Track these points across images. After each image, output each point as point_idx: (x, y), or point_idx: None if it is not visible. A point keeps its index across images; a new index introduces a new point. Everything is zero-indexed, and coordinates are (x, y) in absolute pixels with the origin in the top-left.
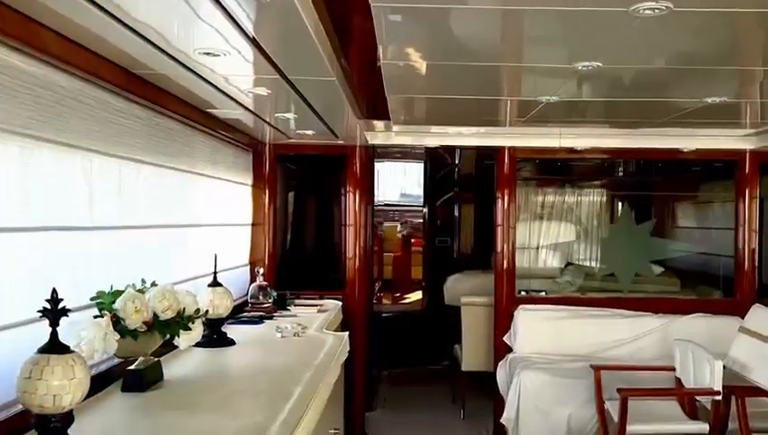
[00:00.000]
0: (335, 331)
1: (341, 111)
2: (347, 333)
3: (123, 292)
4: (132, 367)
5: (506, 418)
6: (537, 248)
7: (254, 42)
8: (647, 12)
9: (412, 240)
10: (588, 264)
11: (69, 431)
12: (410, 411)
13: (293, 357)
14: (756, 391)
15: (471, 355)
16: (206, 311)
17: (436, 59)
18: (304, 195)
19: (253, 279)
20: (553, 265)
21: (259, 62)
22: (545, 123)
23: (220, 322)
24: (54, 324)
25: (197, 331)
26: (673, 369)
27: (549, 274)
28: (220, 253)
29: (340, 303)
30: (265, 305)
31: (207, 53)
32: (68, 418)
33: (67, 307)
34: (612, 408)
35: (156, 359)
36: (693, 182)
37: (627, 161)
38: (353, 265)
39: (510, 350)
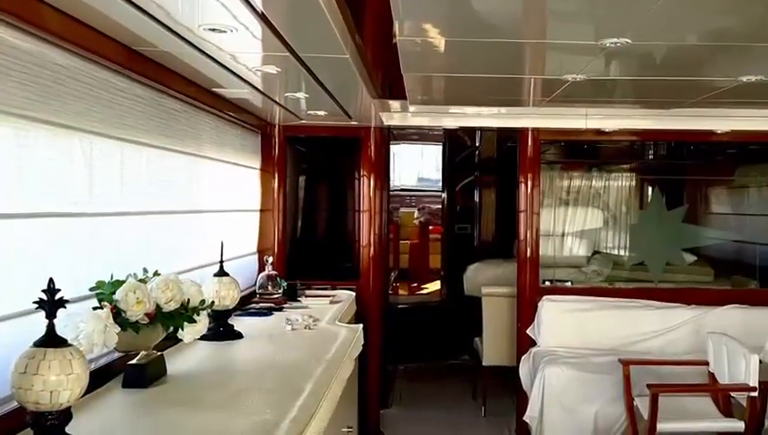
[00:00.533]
0: (348, 323)
1: (355, 90)
2: (361, 325)
3: (124, 282)
4: (134, 362)
5: (530, 416)
6: (562, 236)
7: (262, 17)
8: None
9: (430, 227)
10: (616, 252)
11: (66, 430)
12: (428, 409)
13: (304, 351)
14: None
15: (492, 349)
16: (212, 302)
17: (456, 35)
18: (316, 179)
19: (261, 268)
20: (579, 254)
21: (268, 38)
22: (571, 103)
23: (227, 313)
24: (51, 316)
25: (203, 323)
26: (706, 363)
27: (575, 263)
28: (227, 240)
29: (354, 293)
30: (275, 296)
31: (213, 30)
32: (65, 415)
33: (65, 298)
34: (642, 405)
35: (158, 353)
36: (727, 166)
37: (657, 144)
38: (368, 253)
39: (534, 343)
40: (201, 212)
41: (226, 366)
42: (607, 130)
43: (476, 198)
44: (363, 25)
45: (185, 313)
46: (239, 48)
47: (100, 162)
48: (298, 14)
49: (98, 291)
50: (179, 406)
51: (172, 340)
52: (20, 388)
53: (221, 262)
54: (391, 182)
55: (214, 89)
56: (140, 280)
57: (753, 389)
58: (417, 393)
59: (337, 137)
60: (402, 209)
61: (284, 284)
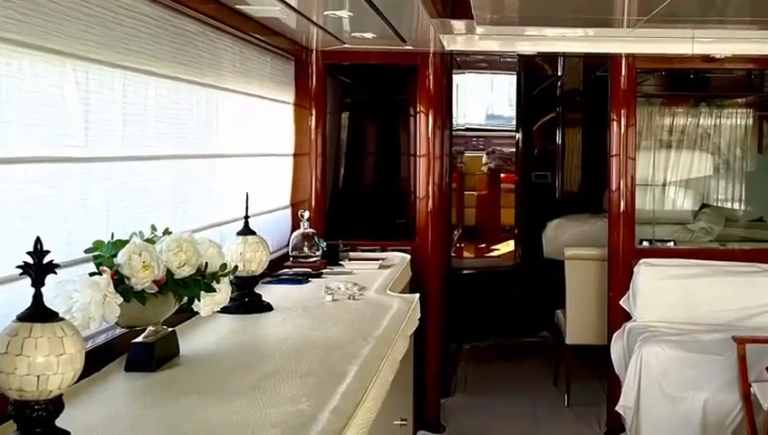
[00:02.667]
0: (402, 292)
1: (410, 6)
2: (417, 295)
3: (127, 242)
4: (139, 339)
5: (623, 405)
6: (663, 185)
7: None
8: None
9: (502, 175)
10: (729, 205)
11: (57, 423)
12: (499, 397)
13: (347, 327)
14: None
15: (578, 324)
16: (235, 267)
17: None
18: (362, 117)
19: (295, 226)
20: (684, 208)
21: None
22: (674, 24)
23: (253, 281)
24: (38, 284)
25: (224, 293)
26: None
27: (679, 218)
28: (253, 191)
29: (409, 256)
30: (312, 260)
31: None
32: (55, 405)
33: (55, 262)
34: (761, 392)
35: (170, 329)
36: None
37: None
38: (425, 207)
39: (628, 317)
40: (222, 157)
41: (253, 345)
42: (718, 57)
43: (558, 140)
44: None
45: (201, 279)
46: None
47: (99, 96)
48: None
49: (95, 253)
50: (194, 394)
51: (186, 313)
52: (0, 372)
53: (246, 218)
54: (454, 120)
55: (237, 6)
56: (147, 240)
57: None
58: (486, 378)
59: (388, 65)
60: (467, 153)
61: (324, 244)
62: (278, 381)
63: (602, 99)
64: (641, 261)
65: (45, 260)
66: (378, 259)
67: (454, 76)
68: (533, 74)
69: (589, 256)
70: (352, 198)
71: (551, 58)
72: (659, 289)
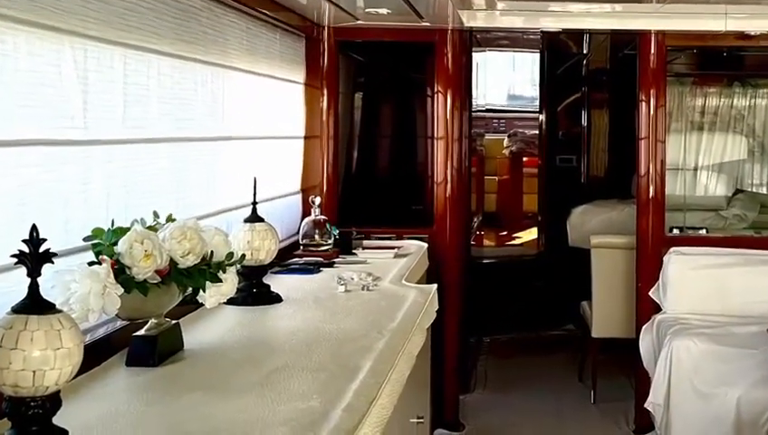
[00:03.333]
0: (418, 282)
1: None
2: (434, 285)
3: (128, 229)
4: (141, 332)
5: (652, 402)
6: (695, 170)
7: None
8: None
9: (524, 159)
10: (764, 191)
11: (54, 421)
12: (521, 393)
13: (361, 319)
14: None
15: (604, 316)
16: (242, 256)
17: None
18: (377, 98)
19: (306, 213)
20: (717, 193)
21: None
22: None
23: (261, 270)
24: (34, 274)
25: (230, 283)
26: None
27: (711, 204)
28: (262, 176)
29: (426, 244)
30: (323, 248)
31: None
32: (53, 402)
33: (51, 250)
34: None
35: (173, 322)
36: None
37: None
38: (443, 193)
39: (658, 309)
40: (228, 139)
41: (260, 338)
42: (752, 34)
43: (584, 122)
44: None
45: (207, 269)
46: None
47: (98, 75)
48: None
49: (95, 241)
50: (199, 390)
51: (191, 304)
52: None
53: (254, 204)
54: (474, 101)
55: None
56: (149, 227)
57: None
58: (508, 374)
59: (404, 42)
60: (488, 136)
61: (336, 232)
62: (287, 377)
63: (630, 78)
64: (671, 250)
65: (42, 249)
66: (393, 248)
67: (473, 54)
68: (558, 52)
69: (616, 245)
70: (366, 183)
71: (576, 35)
72: (691, 279)
